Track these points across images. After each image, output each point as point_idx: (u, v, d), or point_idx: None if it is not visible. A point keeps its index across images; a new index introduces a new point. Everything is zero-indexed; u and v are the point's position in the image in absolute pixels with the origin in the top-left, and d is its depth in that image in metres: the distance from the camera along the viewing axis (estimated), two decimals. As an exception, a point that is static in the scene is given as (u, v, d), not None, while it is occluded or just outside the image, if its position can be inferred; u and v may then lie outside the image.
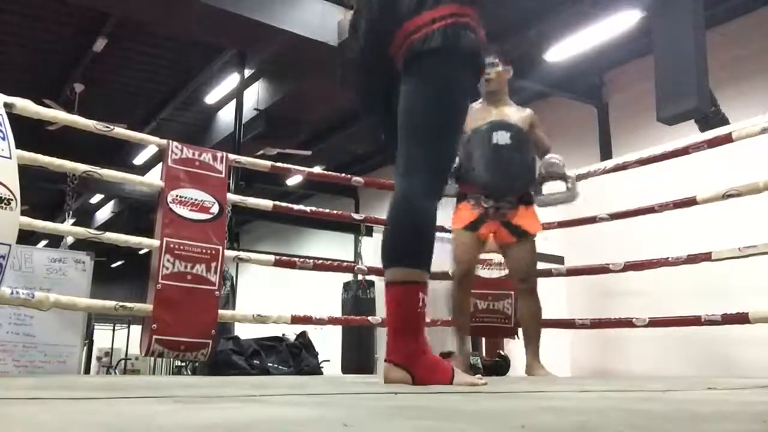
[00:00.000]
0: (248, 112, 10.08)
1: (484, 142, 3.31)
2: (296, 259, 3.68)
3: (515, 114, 3.46)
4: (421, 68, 1.84)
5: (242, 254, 3.62)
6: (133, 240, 3.09)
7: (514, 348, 4.47)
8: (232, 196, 3.36)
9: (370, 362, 7.13)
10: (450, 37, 1.80)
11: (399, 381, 1.72)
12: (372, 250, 9.70)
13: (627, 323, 3.40)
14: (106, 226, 13.78)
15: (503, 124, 3.35)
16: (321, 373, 3.86)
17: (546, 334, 4.21)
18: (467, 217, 3.39)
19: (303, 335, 4.02)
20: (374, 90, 2.05)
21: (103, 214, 16.21)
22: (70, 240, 3.80)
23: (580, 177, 3.87)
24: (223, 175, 3.24)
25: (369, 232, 9.46)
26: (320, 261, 4.04)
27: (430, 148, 1.85)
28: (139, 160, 12.51)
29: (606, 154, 8.32)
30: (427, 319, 3.97)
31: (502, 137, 3.31)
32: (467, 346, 3.46)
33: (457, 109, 1.89)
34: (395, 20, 1.86)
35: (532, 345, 3.41)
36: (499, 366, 4.08)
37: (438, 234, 4.70)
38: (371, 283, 7.24)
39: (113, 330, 14.58)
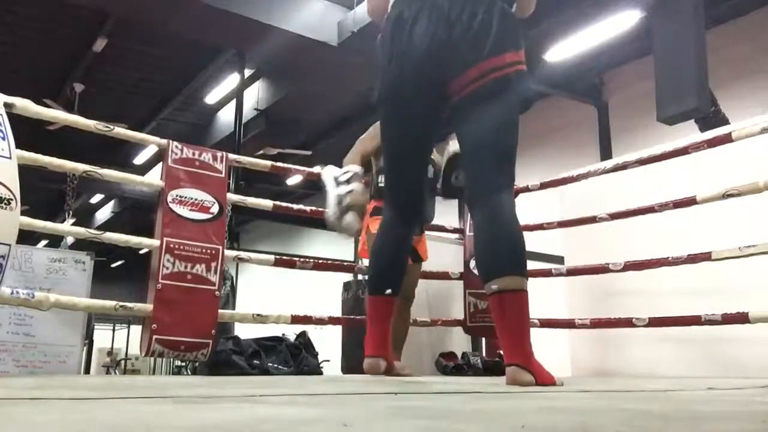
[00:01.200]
0: (248, 112, 10.09)
1: None
2: (296, 259, 3.67)
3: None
4: (499, 101, 2.07)
5: (242, 254, 3.62)
6: (133, 240, 3.08)
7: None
8: (232, 196, 3.35)
9: (370, 362, 7.10)
10: (522, 79, 2.10)
11: (525, 383, 1.83)
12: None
13: (627, 323, 3.40)
14: (106, 226, 13.78)
15: None
16: (321, 373, 3.85)
17: (546, 334, 4.21)
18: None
19: (303, 335, 4.01)
20: (427, 118, 2.23)
21: (103, 214, 16.22)
22: (70, 240, 3.80)
23: (581, 177, 3.87)
24: (223, 175, 3.24)
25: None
26: (320, 261, 4.04)
27: (507, 168, 2.09)
28: (139, 160, 12.52)
29: (606, 154, 8.33)
30: (427, 319, 3.99)
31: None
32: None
33: (515, 135, 2.14)
34: (468, 60, 2.04)
35: (400, 348, 3.41)
36: (499, 366, 4.08)
37: (438, 234, 4.69)
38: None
39: (113, 330, 14.59)
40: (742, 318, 2.88)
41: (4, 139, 2.28)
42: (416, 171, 2.33)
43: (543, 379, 1.86)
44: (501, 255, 1.98)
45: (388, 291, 2.30)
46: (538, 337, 4.37)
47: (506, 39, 2.09)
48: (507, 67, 2.07)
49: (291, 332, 4.16)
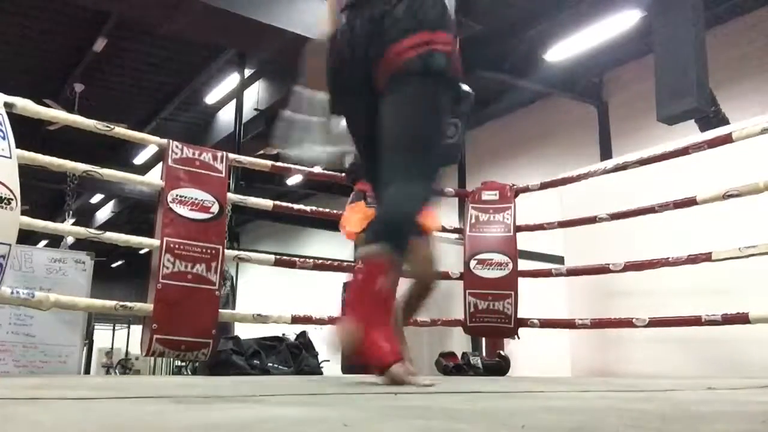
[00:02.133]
0: (248, 112, 10.08)
1: None
2: (296, 259, 3.68)
3: None
4: (401, 89, 2.03)
5: (242, 254, 3.62)
6: (133, 240, 3.09)
7: (514, 348, 4.47)
8: (232, 196, 3.35)
9: (370, 362, 7.10)
10: (424, 61, 1.99)
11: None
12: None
13: (627, 323, 3.40)
14: (106, 226, 13.78)
15: None
16: (321, 373, 3.85)
17: (546, 334, 4.21)
18: (365, 218, 3.25)
19: (303, 335, 4.02)
20: (359, 108, 2.19)
21: (103, 214, 16.21)
22: (70, 240, 3.80)
23: (581, 177, 3.87)
24: (223, 175, 3.24)
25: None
26: (320, 261, 4.04)
27: (410, 157, 2.02)
28: (139, 159, 12.52)
29: (606, 154, 8.32)
30: (427, 319, 3.99)
31: None
32: None
33: (431, 123, 2.06)
34: (382, 45, 2.01)
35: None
36: (499, 366, 4.08)
37: (438, 234, 4.68)
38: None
39: (113, 330, 14.58)
40: (742, 318, 2.88)
41: (4, 139, 2.28)
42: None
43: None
44: (379, 225, 1.95)
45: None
46: (538, 337, 4.39)
47: (422, 12, 2.02)
48: (422, 46, 2.00)
49: (291, 332, 4.16)
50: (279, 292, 12.44)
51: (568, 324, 3.84)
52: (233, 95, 10.15)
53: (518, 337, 4.00)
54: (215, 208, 3.13)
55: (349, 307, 1.84)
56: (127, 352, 13.87)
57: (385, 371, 1.74)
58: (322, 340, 1.89)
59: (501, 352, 4.24)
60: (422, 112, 2.04)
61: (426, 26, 2.01)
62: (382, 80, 2.05)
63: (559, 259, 4.61)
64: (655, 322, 3.28)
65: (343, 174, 3.38)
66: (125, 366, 13.42)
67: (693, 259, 3.16)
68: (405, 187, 1.96)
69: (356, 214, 3.28)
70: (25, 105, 2.62)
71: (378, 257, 1.82)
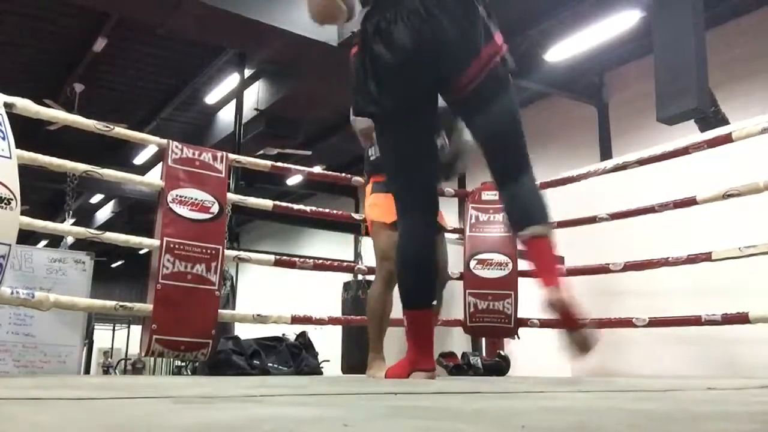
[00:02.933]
0: (248, 112, 10.08)
1: None
2: (296, 259, 3.68)
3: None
4: (504, 86, 2.19)
5: (242, 254, 3.62)
6: (133, 240, 3.09)
7: (514, 348, 4.47)
8: (232, 196, 3.35)
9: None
10: (506, 67, 2.18)
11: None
12: (372, 250, 9.70)
13: (627, 323, 3.40)
14: (106, 226, 13.78)
15: None
16: (321, 373, 3.86)
17: (546, 333, 4.21)
18: (390, 212, 3.25)
19: (303, 335, 4.02)
20: (425, 123, 2.27)
21: (103, 214, 16.21)
22: (70, 240, 3.81)
23: (581, 177, 3.87)
24: (223, 175, 3.24)
25: (369, 232, 9.44)
26: (320, 261, 4.04)
27: (525, 146, 2.24)
28: (139, 160, 12.51)
29: (606, 154, 8.32)
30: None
31: None
32: (381, 355, 3.14)
33: (518, 113, 2.29)
34: (468, 53, 2.09)
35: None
36: (499, 366, 4.08)
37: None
38: (371, 283, 7.23)
39: (113, 330, 14.59)
40: (742, 318, 2.88)
41: (4, 139, 2.28)
42: (427, 174, 2.31)
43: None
44: (537, 209, 2.17)
45: (434, 303, 2.29)
46: (538, 337, 4.39)
47: (489, 23, 2.15)
48: (501, 49, 2.16)
49: (291, 332, 4.16)
50: (279, 292, 12.44)
51: (568, 324, 3.84)
52: (233, 95, 10.15)
53: (518, 337, 4.00)
54: (215, 208, 3.13)
55: (551, 276, 2.09)
56: (126, 352, 13.87)
57: (577, 330, 2.07)
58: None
59: (501, 352, 4.24)
60: (517, 105, 2.27)
61: (496, 28, 2.16)
62: (469, 81, 2.11)
63: (559, 259, 4.60)
64: (655, 322, 3.28)
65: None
66: (135, 365, 13.33)
67: (693, 259, 3.16)
68: (530, 176, 2.20)
69: (385, 203, 3.16)
70: (25, 105, 2.62)
71: (548, 233, 2.15)
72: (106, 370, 13.88)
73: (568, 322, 2.05)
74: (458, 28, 2.07)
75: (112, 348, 14.66)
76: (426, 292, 2.23)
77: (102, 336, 13.24)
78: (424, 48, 2.06)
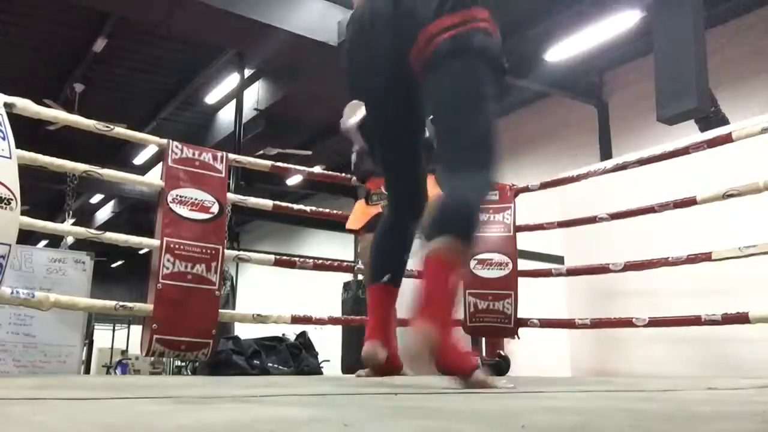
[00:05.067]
0: (248, 112, 10.09)
1: None
2: (296, 259, 3.67)
3: None
4: (445, 68, 1.89)
5: (242, 254, 3.62)
6: (133, 240, 3.08)
7: (515, 348, 4.47)
8: (232, 196, 3.35)
9: (370, 362, 7.11)
10: (466, 40, 1.87)
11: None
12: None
13: (627, 323, 3.40)
14: (106, 226, 13.78)
15: None
16: (321, 373, 3.85)
17: (546, 334, 4.21)
18: (363, 215, 3.12)
19: (303, 335, 4.01)
20: (395, 90, 2.07)
21: (103, 214, 16.22)
22: (70, 240, 3.80)
23: (581, 177, 3.87)
24: (223, 175, 3.24)
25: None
26: (320, 261, 4.04)
27: (474, 148, 1.90)
28: (139, 160, 12.52)
29: (606, 154, 8.33)
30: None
31: None
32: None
33: (483, 100, 1.92)
34: (418, 22, 1.89)
35: None
36: (499, 366, 4.08)
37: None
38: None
39: (113, 330, 14.58)
40: (742, 318, 2.87)
41: (4, 139, 2.28)
42: (408, 162, 2.19)
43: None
44: (450, 218, 1.80)
45: (386, 277, 2.20)
46: (538, 337, 4.38)
47: None
48: (461, 25, 1.87)
49: (291, 332, 4.16)
50: (279, 292, 12.44)
51: (568, 324, 3.84)
52: (233, 95, 10.16)
53: (518, 337, 4.00)
54: (215, 208, 3.13)
55: (422, 306, 1.68)
56: (126, 353, 13.86)
57: (467, 377, 1.65)
58: (401, 344, 1.86)
59: (501, 352, 4.24)
60: (478, 94, 1.91)
61: (462, 4, 1.87)
62: (418, 64, 1.92)
63: (559, 259, 4.60)
64: (655, 322, 3.27)
65: (351, 175, 3.34)
66: (154, 366, 13.14)
67: (693, 259, 3.16)
68: (468, 178, 1.84)
69: (357, 211, 3.23)
70: (25, 105, 2.62)
71: (449, 252, 1.71)
72: (107, 370, 13.88)
73: (455, 370, 1.70)
74: None
75: (112, 348, 14.64)
76: (378, 270, 2.25)
77: (102, 336, 13.23)
78: (388, 20, 1.94)
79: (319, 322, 3.58)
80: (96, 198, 15.44)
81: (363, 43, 2.06)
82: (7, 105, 2.47)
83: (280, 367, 3.54)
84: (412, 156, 2.22)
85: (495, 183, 2.08)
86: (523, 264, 4.21)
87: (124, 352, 13.97)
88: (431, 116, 2.00)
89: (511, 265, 3.96)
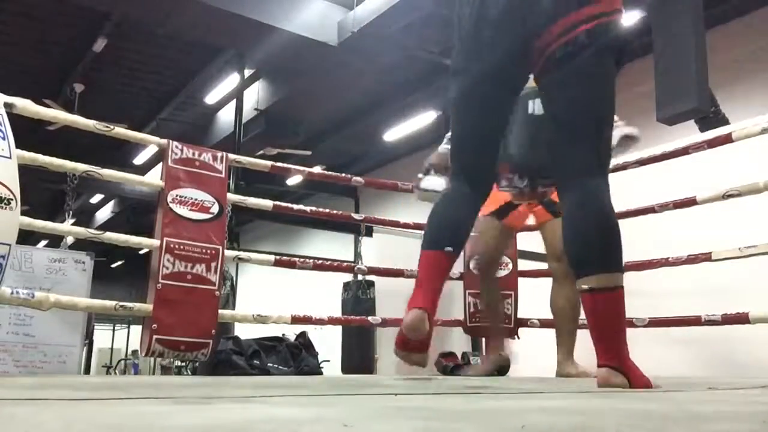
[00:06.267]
0: (248, 112, 10.08)
1: (518, 112, 2.82)
2: (296, 259, 3.68)
3: None
4: (592, 61, 1.80)
5: (242, 254, 3.62)
6: (133, 240, 3.09)
7: (515, 348, 4.47)
8: (232, 196, 3.35)
9: (370, 362, 7.13)
10: (607, 33, 1.79)
11: (618, 385, 1.74)
12: (371, 250, 9.71)
13: (627, 323, 3.39)
14: (106, 226, 13.78)
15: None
16: (321, 373, 3.85)
17: (546, 334, 4.20)
18: (493, 201, 2.99)
19: (303, 335, 4.02)
20: (508, 72, 1.97)
21: (103, 214, 16.21)
22: (70, 240, 3.80)
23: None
24: (223, 175, 3.24)
25: (369, 232, 9.45)
26: (320, 261, 4.04)
27: (601, 147, 1.84)
28: (139, 160, 12.51)
29: (606, 154, 8.31)
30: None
31: (538, 106, 2.80)
32: (480, 351, 3.16)
33: (613, 101, 1.86)
34: (550, 14, 1.80)
35: (564, 338, 3.13)
36: (499, 366, 4.08)
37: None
38: (371, 283, 7.24)
39: (113, 330, 14.59)
40: (742, 318, 2.88)
41: (4, 139, 2.28)
42: (490, 131, 2.06)
43: (637, 382, 1.75)
44: (593, 250, 1.77)
45: (449, 248, 2.00)
46: (538, 337, 4.38)
47: None
48: (602, 17, 1.77)
49: (291, 332, 4.16)
50: (279, 292, 12.44)
51: (568, 324, 3.84)
52: (233, 95, 10.15)
53: (518, 337, 3.99)
54: (215, 209, 3.14)
55: (608, 353, 1.79)
56: (126, 353, 13.87)
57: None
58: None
59: (501, 352, 4.24)
60: (610, 92, 1.84)
61: None
62: (549, 49, 1.80)
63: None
64: (655, 322, 3.27)
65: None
66: (165, 368, 13.01)
67: (693, 259, 3.16)
68: (601, 186, 1.77)
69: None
70: (25, 105, 2.62)
71: (616, 287, 1.77)
72: (107, 370, 13.89)
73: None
74: None
75: (112, 348, 14.65)
76: (450, 239, 2.01)
77: (102, 336, 13.23)
78: (515, 4, 1.82)
79: (319, 322, 3.58)
80: (96, 198, 15.43)
81: (487, 20, 1.90)
82: (7, 105, 2.47)
83: (280, 367, 3.54)
84: (497, 135, 2.10)
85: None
86: (523, 264, 4.21)
87: (135, 352, 13.95)
88: (553, 113, 1.90)
89: (511, 266, 3.96)
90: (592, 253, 1.78)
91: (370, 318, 4.11)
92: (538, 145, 2.83)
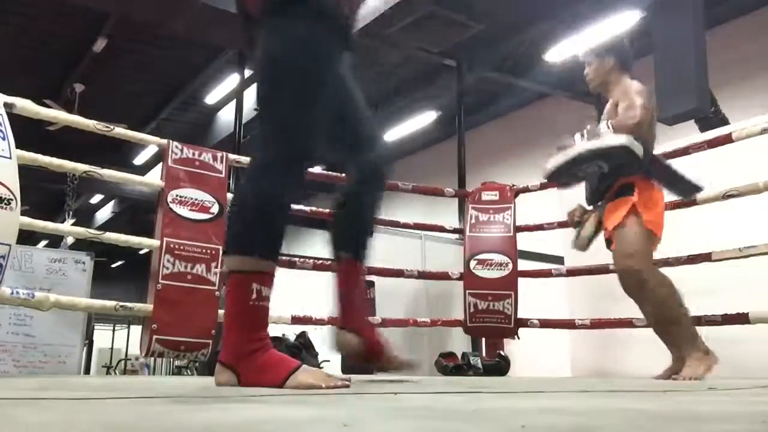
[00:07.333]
0: (248, 112, 10.08)
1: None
2: (296, 259, 3.67)
3: (607, 111, 3.22)
4: (265, 27, 1.68)
5: (242, 254, 3.61)
6: (133, 240, 3.09)
7: (515, 348, 4.47)
8: (232, 196, 3.36)
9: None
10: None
11: (225, 383, 1.58)
12: (378, 252, 9.70)
13: (627, 323, 3.40)
14: (106, 226, 13.78)
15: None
16: (321, 373, 3.85)
17: (546, 334, 4.21)
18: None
19: (303, 335, 4.02)
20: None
21: (103, 214, 16.21)
22: (70, 240, 3.81)
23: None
24: (223, 175, 3.25)
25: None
26: (320, 261, 4.04)
27: (267, 136, 1.75)
28: (139, 160, 12.51)
29: (606, 154, 8.32)
30: (427, 319, 3.99)
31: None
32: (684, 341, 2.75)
33: (300, 72, 1.66)
34: None
35: (666, 338, 2.82)
36: (499, 366, 4.08)
37: (438, 234, 4.67)
38: (371, 283, 7.23)
39: (113, 330, 14.57)
40: (742, 318, 2.87)
41: (4, 139, 2.28)
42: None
43: (253, 381, 1.56)
44: (232, 230, 1.69)
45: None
46: (538, 337, 4.38)
47: None
48: None
49: (291, 332, 4.16)
50: (279, 292, 12.44)
51: (568, 324, 3.84)
52: (233, 95, 10.15)
53: (518, 337, 4.00)
54: (215, 209, 3.14)
55: (224, 347, 1.64)
56: (126, 353, 13.85)
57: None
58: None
59: (501, 352, 4.24)
60: (278, 70, 1.73)
61: None
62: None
63: (559, 259, 4.61)
64: (655, 322, 3.27)
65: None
66: (180, 369, 12.80)
67: (693, 259, 3.16)
68: (255, 180, 1.73)
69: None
70: (25, 105, 2.62)
71: (239, 268, 1.66)
72: (108, 370, 13.87)
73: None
74: None
75: (112, 349, 14.63)
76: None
77: (102, 336, 13.22)
78: None
79: (319, 322, 3.58)
80: (96, 198, 15.43)
81: None
82: (7, 105, 2.47)
83: (280, 367, 3.54)
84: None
85: None
86: (524, 264, 4.22)
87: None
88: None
89: (511, 266, 3.97)
90: (228, 233, 1.72)
91: (369, 318, 4.10)
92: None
